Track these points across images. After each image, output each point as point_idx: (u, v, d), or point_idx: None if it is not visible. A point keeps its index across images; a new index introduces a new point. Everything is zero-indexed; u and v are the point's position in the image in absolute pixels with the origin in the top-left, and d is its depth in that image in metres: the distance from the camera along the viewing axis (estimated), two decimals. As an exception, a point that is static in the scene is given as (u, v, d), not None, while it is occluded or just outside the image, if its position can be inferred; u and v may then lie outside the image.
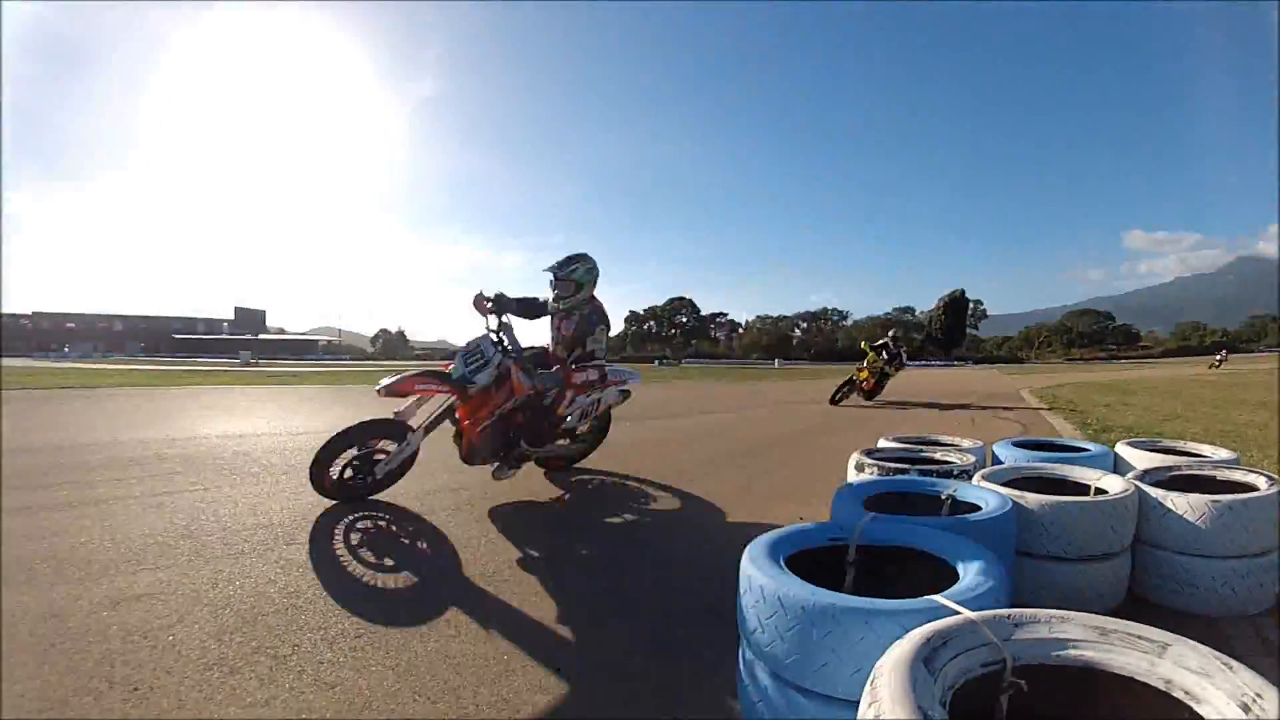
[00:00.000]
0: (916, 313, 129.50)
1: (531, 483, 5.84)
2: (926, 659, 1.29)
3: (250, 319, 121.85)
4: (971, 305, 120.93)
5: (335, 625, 2.90)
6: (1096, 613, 2.83)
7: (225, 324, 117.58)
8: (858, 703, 1.26)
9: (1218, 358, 50.71)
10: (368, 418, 4.88)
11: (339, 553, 3.94)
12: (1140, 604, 3.08)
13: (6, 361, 48.11)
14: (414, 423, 4.94)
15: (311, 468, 4.56)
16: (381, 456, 4.80)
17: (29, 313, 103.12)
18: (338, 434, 4.65)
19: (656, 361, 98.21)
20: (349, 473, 4.71)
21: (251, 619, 2.94)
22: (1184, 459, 3.99)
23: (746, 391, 21.92)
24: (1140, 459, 4.09)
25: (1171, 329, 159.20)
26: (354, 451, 4.71)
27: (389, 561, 3.80)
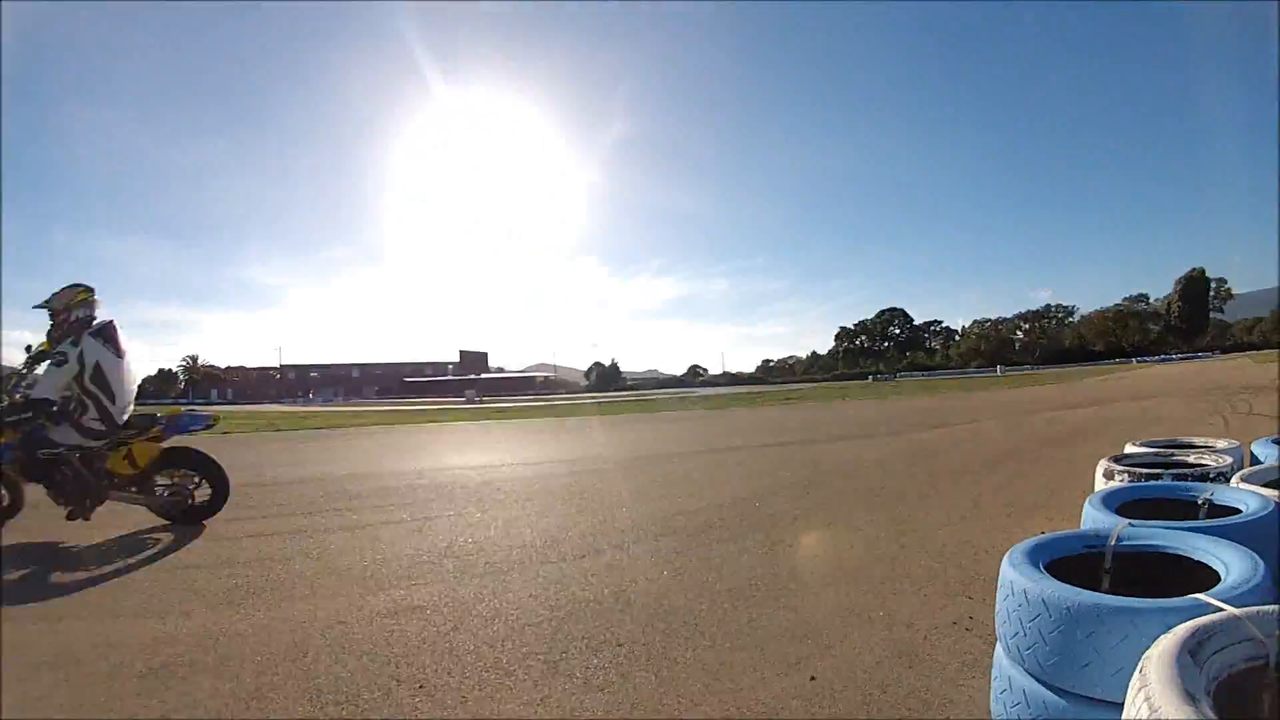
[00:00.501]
0: (1151, 300, 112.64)
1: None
2: (1193, 650, 1.27)
3: (474, 360, 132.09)
4: (1214, 285, 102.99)
5: (598, 635, 3.15)
6: None
7: (450, 366, 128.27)
8: (1116, 703, 1.27)
9: None
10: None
11: (590, 570, 4.24)
12: None
13: (262, 407, 54.24)
14: None
15: None
16: None
17: (278, 365, 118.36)
18: None
19: (870, 377, 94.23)
20: None
21: (519, 629, 3.29)
22: None
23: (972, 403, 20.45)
24: None
25: None
26: None
27: (643, 578, 4.02)
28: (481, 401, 57.56)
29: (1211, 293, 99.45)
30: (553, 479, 8.28)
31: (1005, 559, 2.00)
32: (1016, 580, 1.84)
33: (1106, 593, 2.09)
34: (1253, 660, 1.34)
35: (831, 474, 7.75)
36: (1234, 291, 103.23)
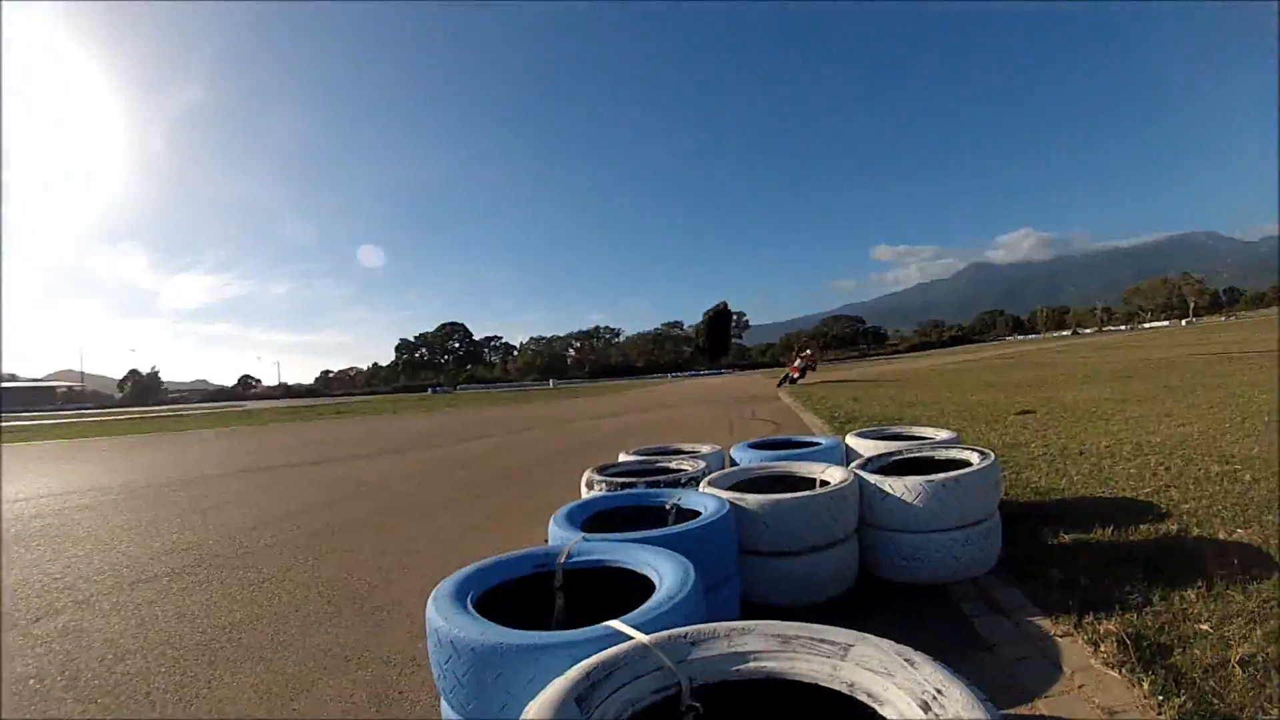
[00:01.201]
0: (685, 326, 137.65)
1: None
2: (580, 697, 1.14)
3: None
4: (735, 316, 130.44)
5: None
6: (831, 597, 2.90)
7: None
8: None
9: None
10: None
11: (42, 636, 3.25)
12: (875, 582, 3.18)
13: None
14: None
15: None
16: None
17: None
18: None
19: (430, 389, 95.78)
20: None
21: None
22: (907, 443, 4.21)
23: (517, 415, 21.39)
24: (867, 447, 4.28)
25: (915, 328, 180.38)
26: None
27: (102, 640, 3.17)
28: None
29: (734, 322, 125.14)
30: (36, 519, 6.55)
31: (431, 597, 1.78)
32: (432, 619, 1.66)
33: (559, 617, 1.98)
34: (662, 691, 1.23)
35: (358, 494, 7.23)
36: (751, 322, 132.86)
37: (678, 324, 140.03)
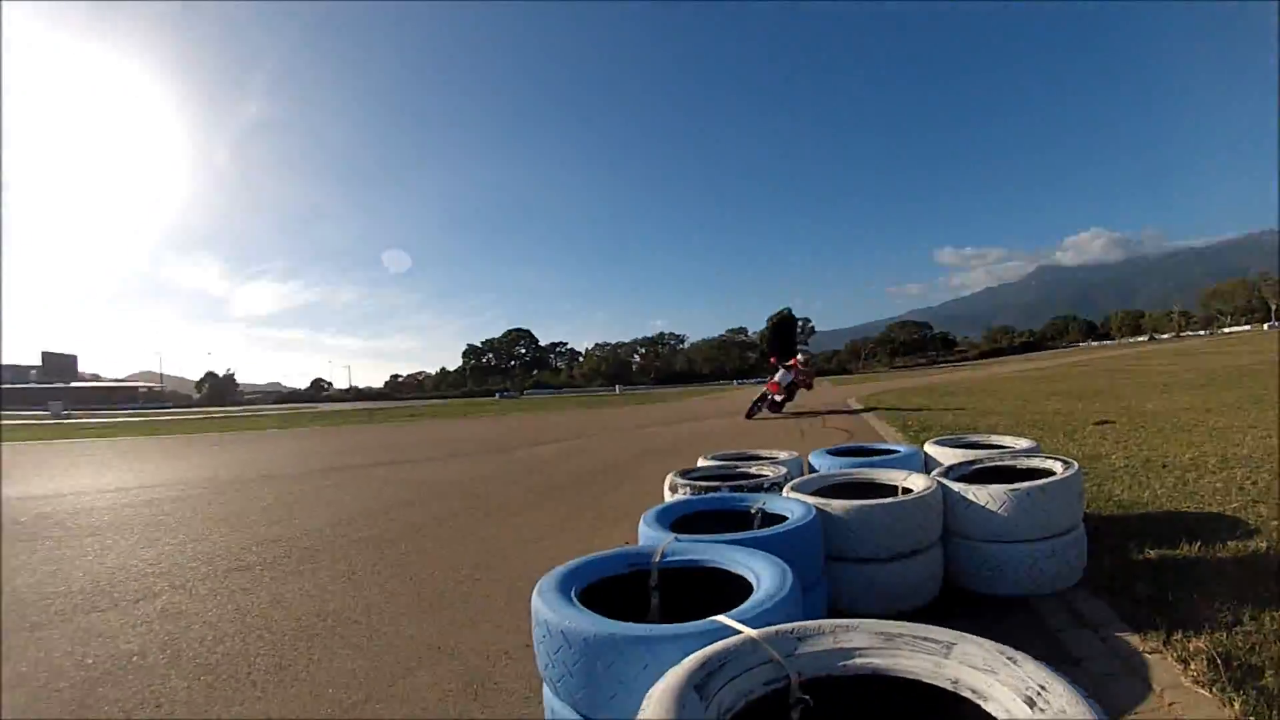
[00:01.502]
0: (749, 333, 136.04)
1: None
2: (699, 685, 1.21)
3: (61, 364, 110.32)
4: (800, 323, 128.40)
5: (134, 698, 2.51)
6: (916, 605, 2.93)
7: (32, 371, 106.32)
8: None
9: None
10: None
11: (142, 617, 3.49)
12: (958, 592, 3.17)
13: None
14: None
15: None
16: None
17: None
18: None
19: (497, 394, 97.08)
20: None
21: (43, 695, 2.50)
22: (987, 452, 4.16)
23: (587, 420, 21.55)
24: (947, 455, 4.26)
25: (983, 333, 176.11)
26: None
27: (200, 623, 3.38)
28: (70, 416, 48.24)
29: (799, 329, 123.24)
30: (127, 508, 6.94)
31: (535, 589, 1.88)
32: (540, 611, 1.75)
33: (655, 615, 2.06)
34: (772, 684, 1.30)
35: (436, 494, 7.42)
36: (816, 329, 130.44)
37: (742, 330, 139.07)
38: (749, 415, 15.94)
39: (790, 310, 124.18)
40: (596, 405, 36.51)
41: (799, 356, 16.62)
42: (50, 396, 69.42)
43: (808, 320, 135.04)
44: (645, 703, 1.18)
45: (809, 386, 17.20)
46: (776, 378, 16.23)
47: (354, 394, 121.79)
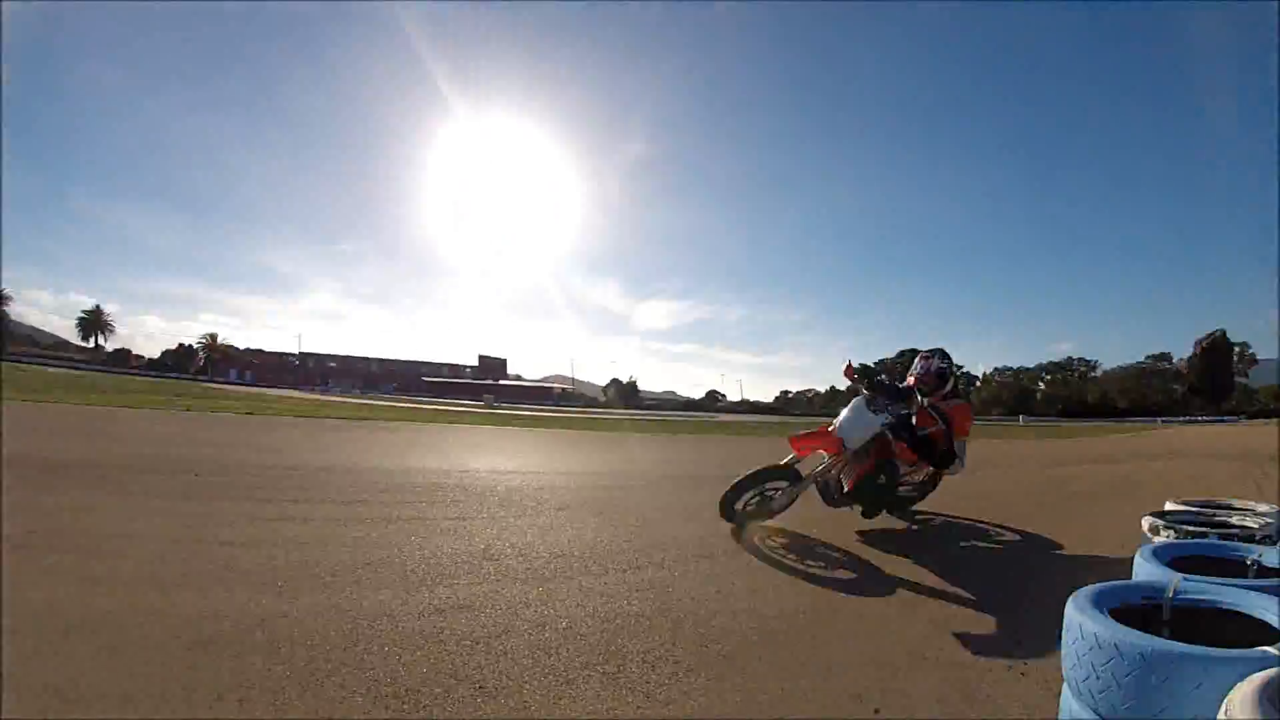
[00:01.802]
0: (1173, 360, 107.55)
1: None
2: (1273, 697, 1.37)
3: (493, 366, 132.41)
4: (1238, 349, 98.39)
5: (652, 651, 3.08)
6: None
7: (469, 369, 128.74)
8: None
9: None
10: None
11: (634, 584, 4.16)
12: None
13: (278, 391, 55.91)
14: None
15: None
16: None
17: (298, 353, 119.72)
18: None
19: None
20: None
21: (570, 637, 3.21)
22: None
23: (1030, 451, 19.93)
24: None
25: None
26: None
27: (689, 598, 3.93)
28: (499, 407, 57.53)
29: (1235, 357, 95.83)
30: (583, 490, 8.13)
31: (1070, 602, 2.05)
32: (1085, 624, 1.89)
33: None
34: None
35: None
36: (1258, 356, 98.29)
37: (1165, 356, 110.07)
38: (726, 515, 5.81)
39: (1224, 333, 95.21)
40: (1020, 436, 32.54)
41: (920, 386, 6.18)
42: (484, 390, 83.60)
43: (1245, 345, 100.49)
44: (1225, 704, 1.38)
45: (949, 452, 5.91)
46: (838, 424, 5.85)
47: (746, 406, 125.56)
